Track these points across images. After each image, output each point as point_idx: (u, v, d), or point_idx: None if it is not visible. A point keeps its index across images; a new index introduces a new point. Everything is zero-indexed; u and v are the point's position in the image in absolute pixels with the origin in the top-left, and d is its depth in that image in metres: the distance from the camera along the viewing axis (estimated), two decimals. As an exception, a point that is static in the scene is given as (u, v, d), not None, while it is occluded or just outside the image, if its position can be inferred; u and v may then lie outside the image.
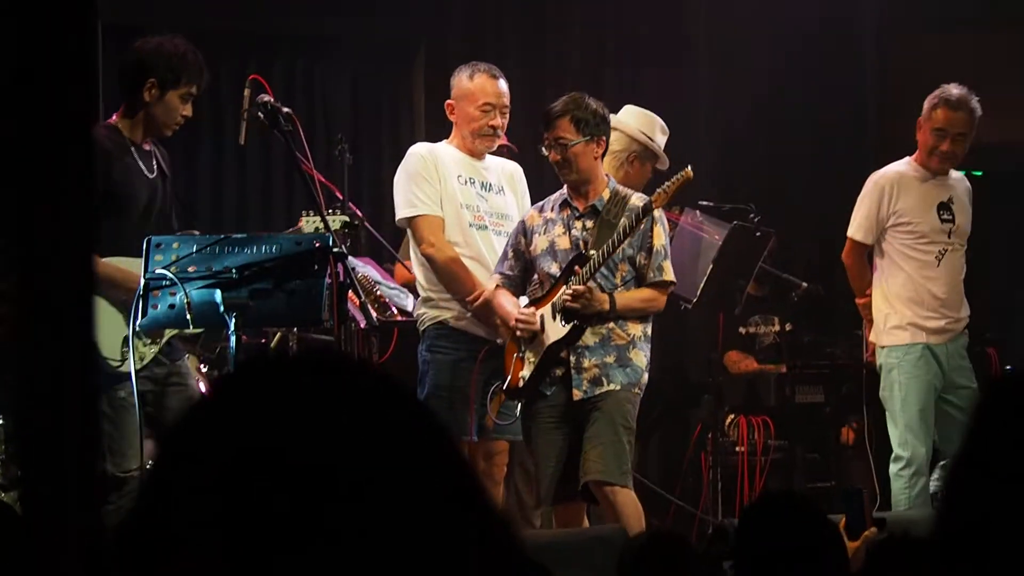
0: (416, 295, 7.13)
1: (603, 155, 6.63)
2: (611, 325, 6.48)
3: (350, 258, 5.88)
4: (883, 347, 7.57)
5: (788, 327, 8.88)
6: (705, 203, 8.04)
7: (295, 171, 6.08)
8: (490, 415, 6.78)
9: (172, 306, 5.37)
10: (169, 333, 5.90)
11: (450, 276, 6.66)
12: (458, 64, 7.15)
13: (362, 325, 6.80)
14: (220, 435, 1.45)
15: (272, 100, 6.04)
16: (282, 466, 1.41)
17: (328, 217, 6.08)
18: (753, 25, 10.21)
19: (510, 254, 6.66)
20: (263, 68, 7.87)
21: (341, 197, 6.89)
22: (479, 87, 6.82)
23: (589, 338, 6.46)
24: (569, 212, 6.58)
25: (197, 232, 6.02)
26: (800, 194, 9.74)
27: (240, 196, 9.48)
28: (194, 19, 9.18)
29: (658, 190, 6.44)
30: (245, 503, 1.39)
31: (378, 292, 7.42)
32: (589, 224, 6.53)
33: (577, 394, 6.43)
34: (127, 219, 5.90)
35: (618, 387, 6.42)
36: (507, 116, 6.91)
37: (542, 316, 6.50)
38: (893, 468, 7.44)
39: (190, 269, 5.37)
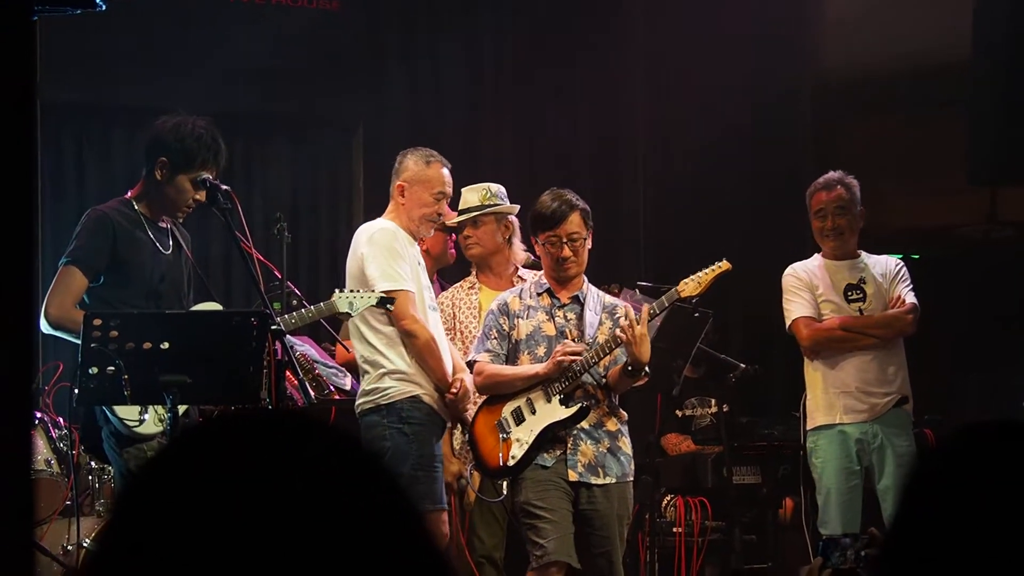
0: (356, 375, 7.11)
1: None
2: (605, 409, 6.59)
3: (288, 337, 5.84)
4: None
5: (725, 408, 8.89)
6: (643, 283, 8.07)
7: (235, 249, 6.01)
8: (473, 490, 6.96)
9: (110, 381, 5.31)
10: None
11: (431, 354, 6.66)
12: (396, 144, 7.19)
13: (300, 404, 6.75)
14: (165, 496, 1.44)
15: (211, 177, 5.95)
16: (229, 526, 1.40)
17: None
18: (692, 100, 10.28)
19: (494, 334, 6.69)
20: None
21: (280, 276, 6.87)
22: (436, 175, 6.89)
23: (584, 422, 6.54)
24: (551, 301, 6.66)
25: (219, 306, 6.00)
26: (737, 274, 9.79)
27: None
28: (137, 98, 9.17)
29: (689, 279, 6.60)
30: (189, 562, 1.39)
31: (316, 371, 7.40)
32: (570, 315, 6.63)
33: (573, 475, 6.50)
34: (133, 292, 5.84)
35: (615, 480, 6.55)
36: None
37: (531, 400, 6.55)
38: None
39: (128, 345, 5.32)
